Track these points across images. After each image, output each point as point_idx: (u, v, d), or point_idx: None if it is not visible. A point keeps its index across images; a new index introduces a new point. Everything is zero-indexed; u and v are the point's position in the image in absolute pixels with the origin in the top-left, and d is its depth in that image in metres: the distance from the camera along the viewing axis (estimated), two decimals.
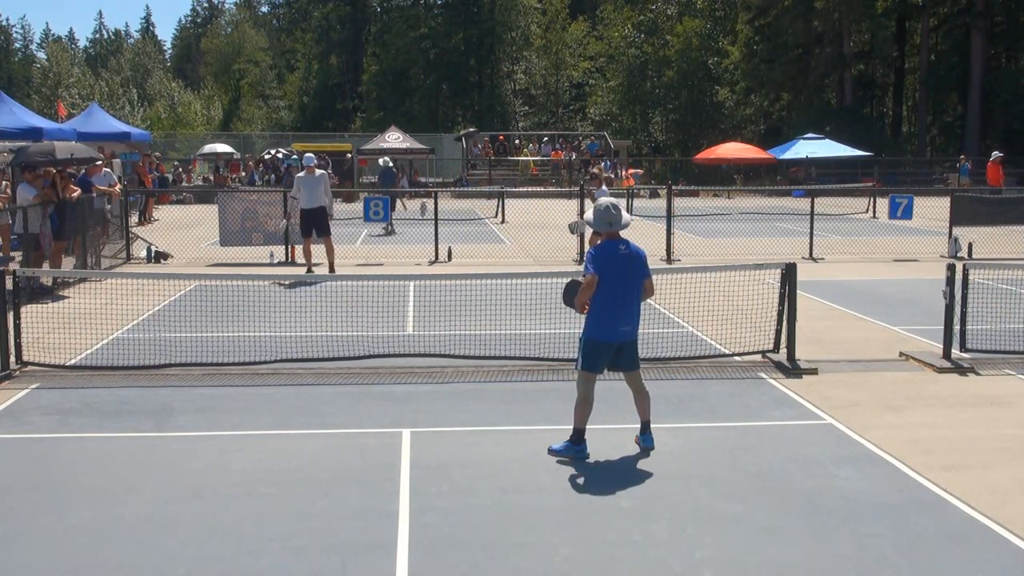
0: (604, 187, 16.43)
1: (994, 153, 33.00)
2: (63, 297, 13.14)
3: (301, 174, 15.93)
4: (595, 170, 20.26)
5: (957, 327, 9.46)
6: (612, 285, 6.54)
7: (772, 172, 45.92)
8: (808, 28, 54.88)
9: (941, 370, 9.16)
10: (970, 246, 17.82)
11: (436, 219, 18.71)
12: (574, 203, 20.22)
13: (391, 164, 23.43)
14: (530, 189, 38.52)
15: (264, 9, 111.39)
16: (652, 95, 63.56)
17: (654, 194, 35.98)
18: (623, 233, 6.73)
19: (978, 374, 9.10)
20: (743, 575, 4.94)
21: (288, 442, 7.08)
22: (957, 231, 18.67)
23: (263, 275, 15.45)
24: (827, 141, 44.45)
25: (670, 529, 5.48)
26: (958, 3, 52.12)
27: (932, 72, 53.42)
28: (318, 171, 16.07)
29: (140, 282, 13.76)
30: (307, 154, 16.63)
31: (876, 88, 60.61)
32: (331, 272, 15.22)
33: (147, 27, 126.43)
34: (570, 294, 6.93)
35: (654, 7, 64.19)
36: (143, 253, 18.31)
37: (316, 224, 15.59)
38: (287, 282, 14.28)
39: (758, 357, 9.59)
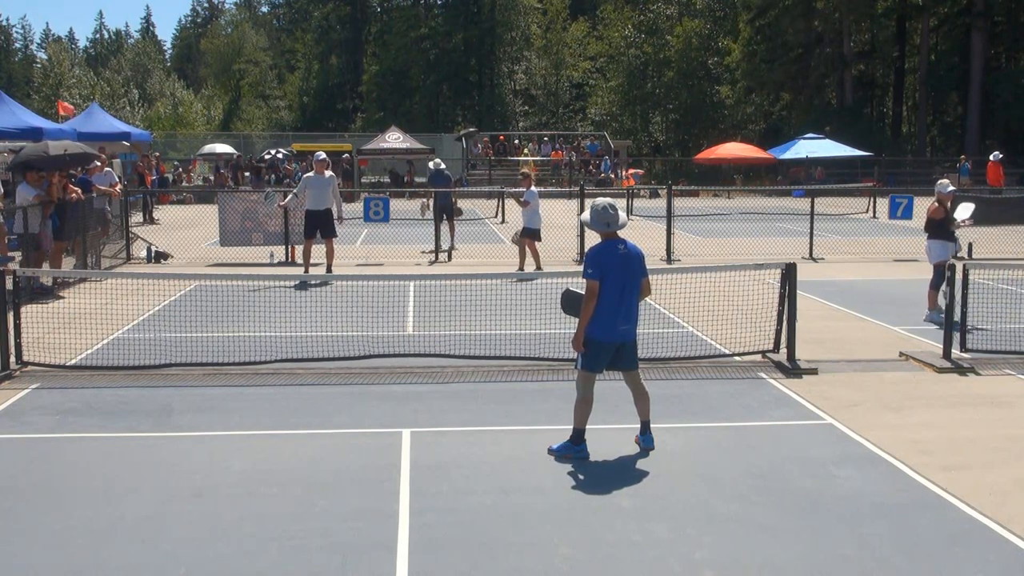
0: (533, 188, 16.08)
1: (994, 153, 32.98)
2: (62, 297, 13.16)
3: (309, 174, 15.48)
4: (524, 169, 19.01)
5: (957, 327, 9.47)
6: (612, 285, 6.53)
7: (772, 172, 45.91)
8: (808, 28, 54.91)
9: (941, 370, 9.16)
10: (970, 246, 17.79)
11: (436, 219, 18.68)
12: (574, 203, 20.22)
13: (443, 166, 21.53)
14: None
15: (264, 9, 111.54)
16: (652, 95, 63.56)
17: (654, 194, 36.02)
18: (621, 233, 6.72)
19: (978, 374, 9.10)
20: (743, 575, 4.94)
21: (288, 442, 7.08)
22: (957, 231, 18.61)
23: (263, 275, 15.43)
24: (827, 141, 44.41)
25: (670, 529, 5.48)
26: (958, 3, 52.09)
27: (932, 72, 53.41)
28: (327, 172, 15.43)
29: (140, 282, 13.75)
30: (318, 153, 15.96)
31: (876, 88, 60.60)
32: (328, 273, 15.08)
33: (147, 27, 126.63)
34: (567, 303, 6.92)
35: (654, 7, 64.19)
36: (143, 253, 18.31)
37: (322, 226, 15.20)
38: (287, 283, 14.24)
39: (758, 357, 9.59)
